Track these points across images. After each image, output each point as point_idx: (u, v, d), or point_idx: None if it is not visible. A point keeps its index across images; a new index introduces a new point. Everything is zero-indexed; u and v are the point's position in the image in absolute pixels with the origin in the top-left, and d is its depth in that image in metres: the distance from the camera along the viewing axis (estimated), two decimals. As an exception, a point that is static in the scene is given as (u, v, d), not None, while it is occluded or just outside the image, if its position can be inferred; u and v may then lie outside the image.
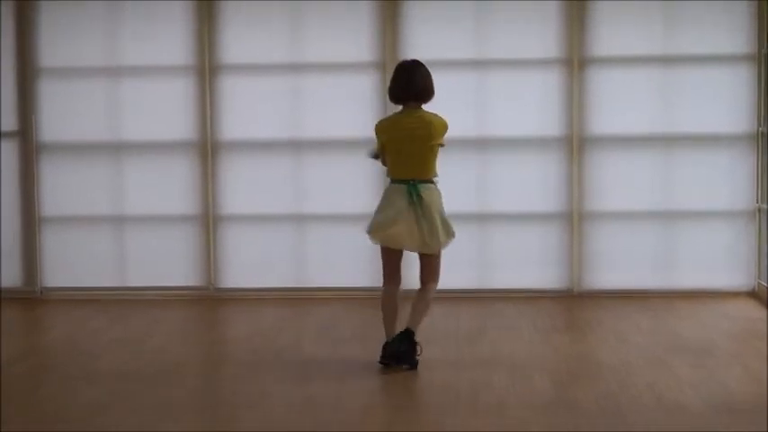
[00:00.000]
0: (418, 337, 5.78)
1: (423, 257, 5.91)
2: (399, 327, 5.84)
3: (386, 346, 5.78)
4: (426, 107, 5.84)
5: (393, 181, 5.83)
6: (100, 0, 8.03)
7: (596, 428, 4.76)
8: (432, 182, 5.84)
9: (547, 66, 7.90)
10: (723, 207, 7.96)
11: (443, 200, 5.84)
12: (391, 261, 5.90)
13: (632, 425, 4.80)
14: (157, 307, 7.81)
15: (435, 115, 5.82)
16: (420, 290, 5.96)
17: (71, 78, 8.10)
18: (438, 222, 5.75)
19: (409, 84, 5.80)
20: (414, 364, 5.73)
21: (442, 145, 5.83)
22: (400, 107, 5.88)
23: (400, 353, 5.72)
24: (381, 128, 5.87)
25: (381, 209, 5.82)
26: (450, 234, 5.85)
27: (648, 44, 7.88)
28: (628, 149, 7.96)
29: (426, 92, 5.83)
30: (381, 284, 5.93)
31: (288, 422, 4.91)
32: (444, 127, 5.83)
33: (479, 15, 7.93)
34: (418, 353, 5.76)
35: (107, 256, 8.18)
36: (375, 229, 5.81)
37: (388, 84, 7.85)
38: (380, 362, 5.76)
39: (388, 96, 5.91)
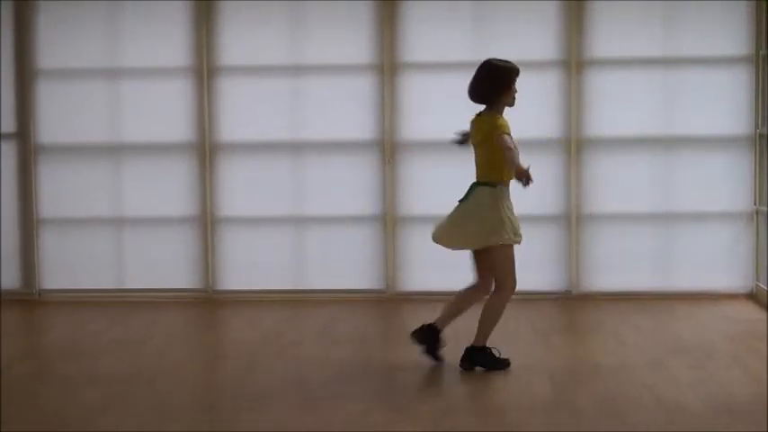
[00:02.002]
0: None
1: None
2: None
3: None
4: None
5: (506, 184, 5.74)
6: (99, 1, 8.03)
7: (596, 429, 4.76)
8: None
9: (546, 67, 7.90)
10: (721, 209, 7.97)
11: None
12: None
13: (632, 426, 4.81)
14: (156, 309, 7.80)
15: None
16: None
17: (70, 79, 8.10)
18: None
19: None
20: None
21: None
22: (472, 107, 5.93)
23: None
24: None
25: (511, 212, 5.73)
26: None
27: (647, 46, 7.89)
28: (626, 151, 7.97)
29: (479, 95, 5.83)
30: (511, 290, 5.82)
31: (287, 423, 4.91)
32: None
33: (478, 17, 7.94)
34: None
35: (106, 258, 8.18)
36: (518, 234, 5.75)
37: (385, 85, 7.98)
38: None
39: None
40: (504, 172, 5.67)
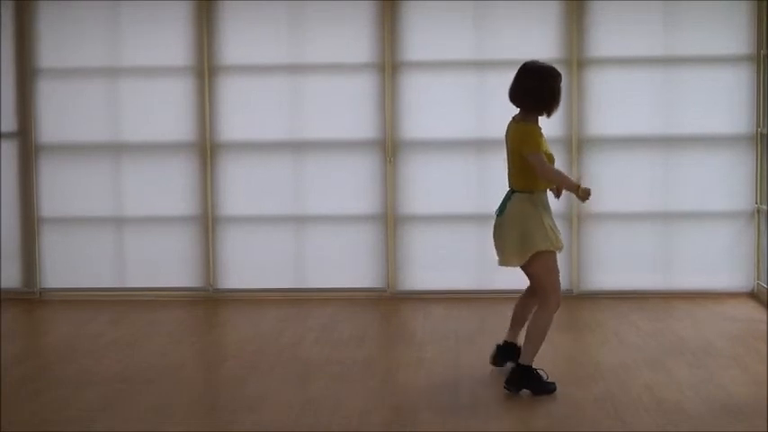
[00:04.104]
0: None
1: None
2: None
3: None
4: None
5: (543, 190, 5.49)
6: (99, 0, 8.03)
7: (595, 429, 4.76)
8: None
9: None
10: (722, 208, 7.96)
11: None
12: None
13: (631, 426, 4.81)
14: (156, 308, 7.80)
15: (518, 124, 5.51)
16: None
17: (70, 79, 8.09)
18: None
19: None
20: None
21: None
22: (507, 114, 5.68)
23: None
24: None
25: (550, 219, 5.49)
26: None
27: (648, 45, 7.88)
28: (627, 150, 7.96)
29: (515, 97, 5.52)
30: (556, 303, 5.42)
31: (288, 424, 4.92)
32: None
33: (478, 16, 7.93)
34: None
35: (106, 257, 8.18)
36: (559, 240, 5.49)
37: (385, 84, 7.98)
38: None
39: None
40: (537, 180, 5.42)
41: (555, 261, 5.44)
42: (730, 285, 7.96)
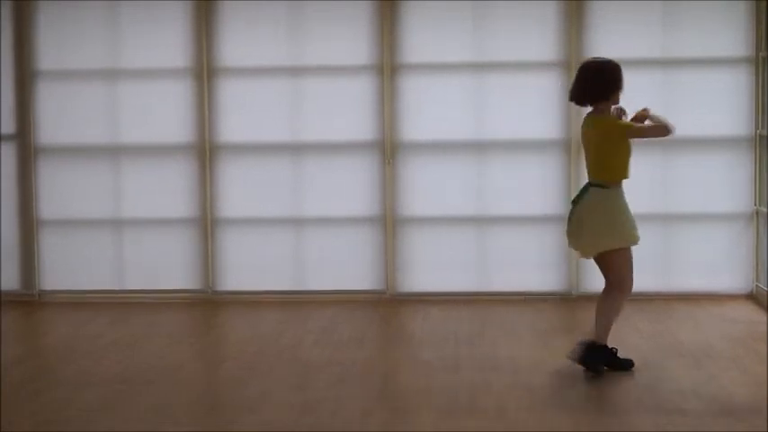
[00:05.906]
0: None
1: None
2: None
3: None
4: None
5: (619, 184, 5.82)
6: (99, 1, 8.03)
7: (595, 430, 4.76)
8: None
9: (546, 68, 7.89)
10: (721, 210, 7.96)
11: None
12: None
13: (631, 426, 4.81)
14: (156, 310, 7.79)
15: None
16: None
17: (69, 81, 8.09)
18: None
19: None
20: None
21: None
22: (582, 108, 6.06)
23: None
24: None
25: (624, 213, 5.78)
26: None
27: (647, 47, 7.88)
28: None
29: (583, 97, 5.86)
30: (628, 291, 5.88)
31: (288, 424, 4.91)
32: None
33: (478, 17, 7.93)
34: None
35: (105, 259, 8.17)
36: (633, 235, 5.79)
37: (384, 85, 7.98)
38: None
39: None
40: (616, 173, 5.73)
41: (629, 254, 5.76)
42: (729, 287, 7.96)
